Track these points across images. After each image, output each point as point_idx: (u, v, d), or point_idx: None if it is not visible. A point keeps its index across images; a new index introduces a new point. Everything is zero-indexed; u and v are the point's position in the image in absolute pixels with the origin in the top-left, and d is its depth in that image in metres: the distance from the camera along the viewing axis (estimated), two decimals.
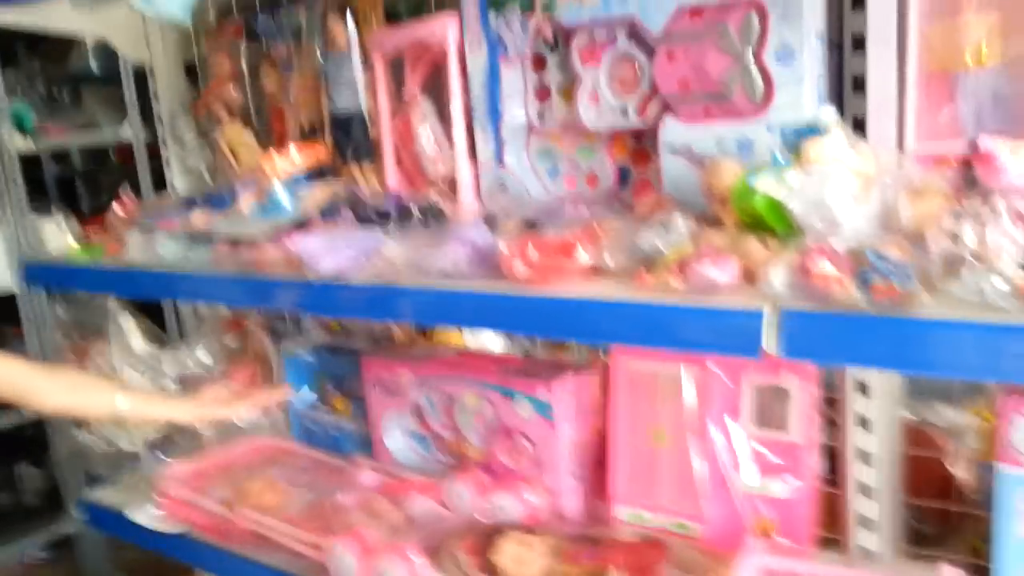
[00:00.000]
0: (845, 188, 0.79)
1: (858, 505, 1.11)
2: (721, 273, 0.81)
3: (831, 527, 1.16)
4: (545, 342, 1.63)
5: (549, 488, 1.28)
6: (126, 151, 3.36)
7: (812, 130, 0.82)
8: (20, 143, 2.62)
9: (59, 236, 2.62)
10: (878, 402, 1.07)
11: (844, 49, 1.01)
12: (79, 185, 3.96)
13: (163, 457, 1.67)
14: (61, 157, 3.83)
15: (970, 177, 0.80)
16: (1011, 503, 0.92)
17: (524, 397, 1.26)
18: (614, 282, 0.89)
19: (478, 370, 1.34)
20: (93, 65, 3.26)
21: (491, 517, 1.25)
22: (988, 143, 0.77)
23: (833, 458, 1.16)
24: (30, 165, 2.66)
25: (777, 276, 0.77)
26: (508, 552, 1.13)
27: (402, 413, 1.44)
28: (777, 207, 0.82)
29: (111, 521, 1.63)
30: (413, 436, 1.46)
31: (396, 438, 1.47)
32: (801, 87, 0.94)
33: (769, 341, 0.77)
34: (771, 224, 0.85)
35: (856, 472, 1.11)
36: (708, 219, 0.95)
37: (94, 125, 3.01)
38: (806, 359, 0.78)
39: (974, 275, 0.68)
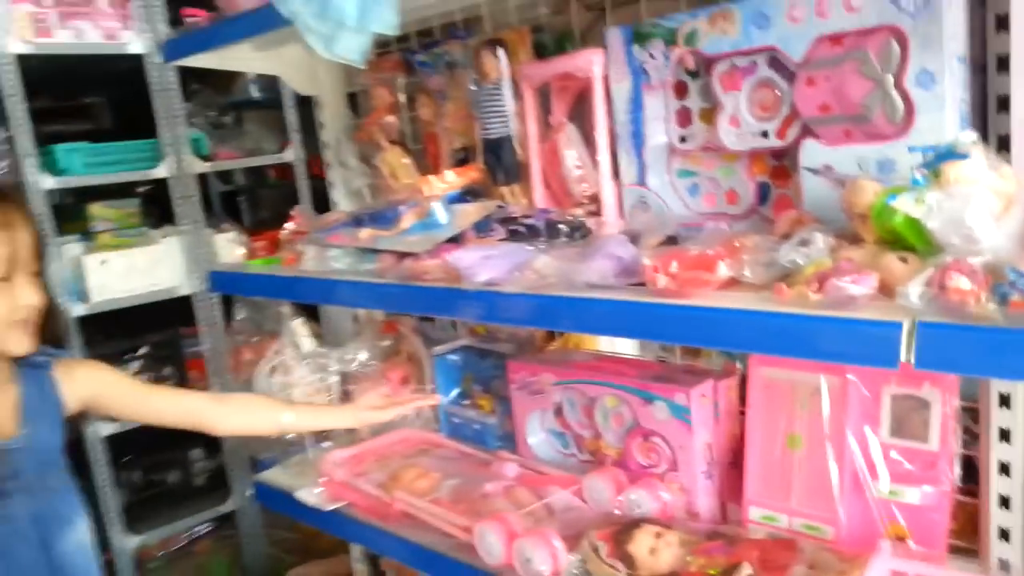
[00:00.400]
0: (984, 208, 0.83)
1: (996, 517, 1.13)
2: (859, 287, 0.87)
3: (971, 538, 1.17)
4: (682, 349, 1.70)
5: (683, 487, 1.35)
6: (283, 169, 3.66)
7: (952, 152, 0.86)
8: (198, 166, 2.93)
9: (230, 248, 2.92)
10: (1021, 415, 1.08)
11: (988, 70, 1.04)
12: (241, 201, 4.34)
13: (322, 445, 1.86)
14: (224, 175, 4.20)
15: None
16: None
17: (662, 400, 1.34)
18: (753, 294, 0.96)
19: (617, 374, 1.43)
20: (255, 93, 3.59)
21: (626, 512, 1.34)
22: None
23: (973, 469, 1.17)
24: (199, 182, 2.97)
25: (915, 290, 0.82)
26: (642, 543, 1.21)
27: (544, 412, 1.55)
28: (916, 225, 0.86)
29: (277, 499, 1.81)
30: (553, 434, 1.56)
31: (538, 435, 1.58)
32: (943, 110, 0.98)
33: (906, 352, 0.82)
34: (910, 241, 0.90)
35: (995, 484, 1.12)
36: (847, 236, 1.00)
37: (259, 149, 3.31)
38: (941, 370, 0.82)
39: None
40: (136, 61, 2.77)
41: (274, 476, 1.88)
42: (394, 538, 1.51)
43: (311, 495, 1.69)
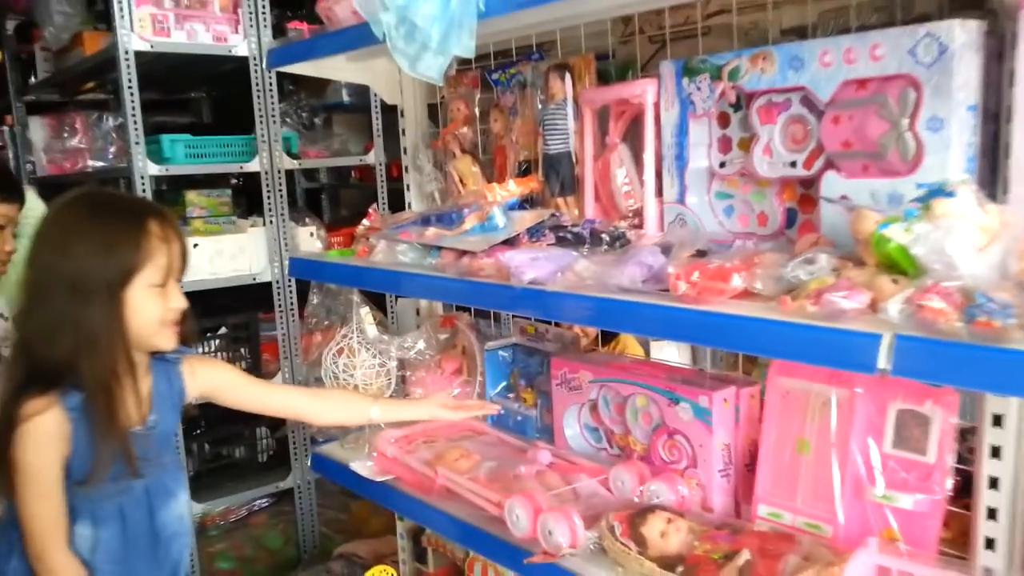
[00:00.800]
0: (965, 239, 0.95)
1: (984, 527, 1.21)
2: (850, 302, 0.99)
3: (963, 548, 1.26)
4: (730, 360, 1.82)
5: (701, 484, 1.47)
6: (364, 171, 3.90)
7: (942, 190, 0.98)
8: (287, 163, 3.18)
9: (310, 241, 3.15)
10: (1011, 433, 1.17)
11: (1000, 119, 1.15)
12: (324, 198, 4.61)
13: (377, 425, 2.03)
14: (310, 172, 4.48)
15: None
16: None
17: (687, 402, 1.46)
18: (760, 304, 1.09)
19: (650, 376, 1.57)
20: (346, 98, 3.84)
21: (645, 500, 1.47)
22: None
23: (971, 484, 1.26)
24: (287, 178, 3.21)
25: (894, 307, 0.94)
26: (654, 526, 1.34)
27: (581, 407, 1.69)
28: (905, 251, 0.98)
29: (332, 469, 1.98)
30: (588, 428, 1.70)
31: (573, 428, 1.73)
32: (948, 152, 1.09)
33: (885, 360, 0.94)
34: (902, 265, 1.01)
35: (984, 496, 1.21)
36: (855, 258, 1.12)
37: (344, 150, 3.55)
38: (913, 377, 0.93)
39: None
40: (241, 62, 3.03)
41: (331, 449, 2.06)
42: (433, 510, 1.67)
43: (363, 467, 1.86)
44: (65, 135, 3.52)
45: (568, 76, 1.62)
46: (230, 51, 2.98)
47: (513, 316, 2.08)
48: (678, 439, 1.51)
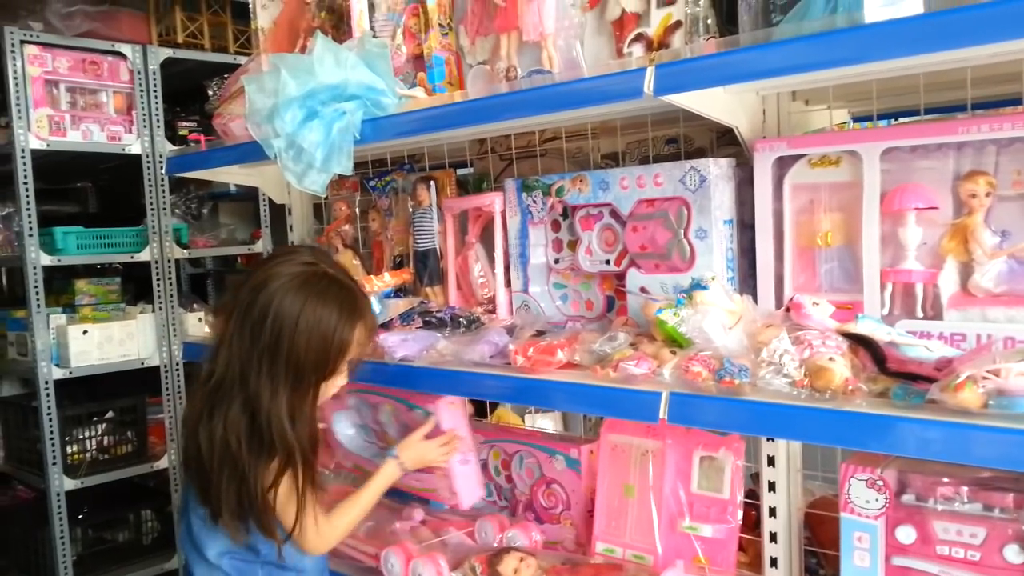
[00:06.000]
0: (716, 321, 1.29)
1: (768, 548, 1.53)
2: (639, 368, 1.31)
3: (760, 568, 1.57)
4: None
5: (574, 523, 1.74)
6: (250, 256, 4.07)
7: (699, 284, 1.33)
8: (178, 253, 3.35)
9: (198, 326, 3.31)
10: (782, 471, 1.50)
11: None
12: (209, 283, 4.72)
13: None
14: (196, 259, 4.59)
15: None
16: (849, 540, 1.33)
17: (561, 455, 1.77)
18: (579, 372, 1.40)
19: (528, 436, 1.89)
20: (233, 188, 4.04)
21: (504, 545, 1.73)
22: (798, 297, 1.26)
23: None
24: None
25: (667, 371, 1.26)
26: (509, 564, 1.60)
27: None
28: (676, 330, 1.32)
29: None
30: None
31: None
32: (711, 255, 1.45)
33: (663, 412, 1.26)
34: (677, 340, 1.35)
35: (767, 523, 1.53)
36: (650, 335, 1.45)
37: (231, 239, 3.74)
38: (684, 424, 1.25)
39: (771, 375, 1.16)
40: (134, 159, 3.22)
41: None
42: None
43: None
44: None
45: (433, 186, 1.93)
46: (124, 149, 3.17)
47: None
48: (554, 487, 1.80)
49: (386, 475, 1.73)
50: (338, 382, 1.57)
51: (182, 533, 1.69)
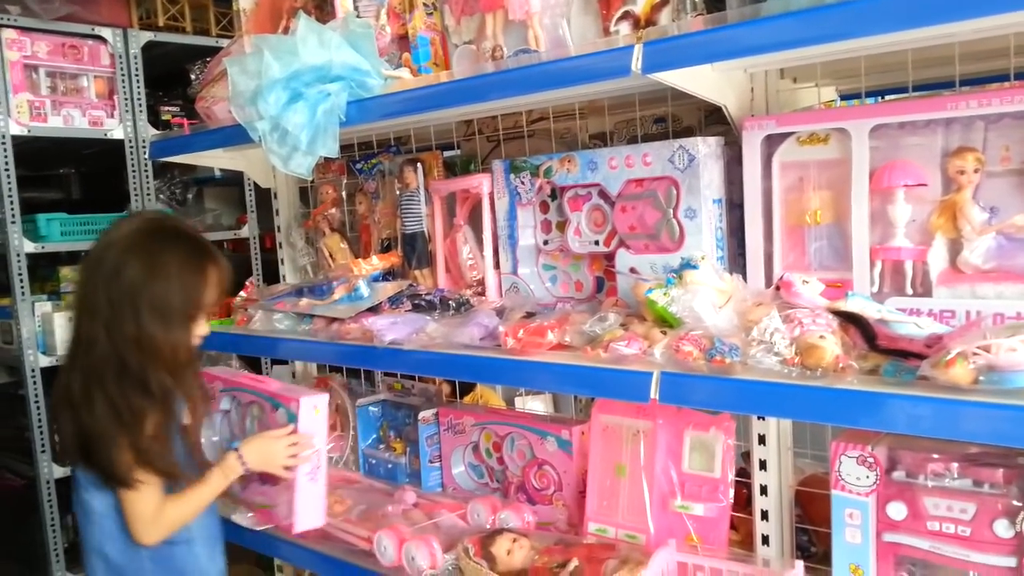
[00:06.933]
0: (707, 300, 1.29)
1: (759, 526, 1.54)
2: (629, 348, 1.31)
3: (751, 547, 1.58)
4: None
5: (566, 504, 1.74)
6: (238, 242, 4.04)
7: (689, 264, 1.32)
8: None
9: None
10: (773, 449, 1.51)
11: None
12: None
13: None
14: None
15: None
16: (841, 516, 1.33)
17: (552, 436, 1.77)
18: (569, 353, 1.39)
19: (518, 418, 1.89)
20: (218, 172, 4.00)
21: (497, 527, 1.73)
22: (788, 275, 1.26)
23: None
24: None
25: (658, 351, 1.26)
26: (502, 545, 1.60)
27: (465, 448, 1.97)
28: (666, 310, 1.31)
29: None
30: (471, 466, 1.96)
31: (459, 467, 1.98)
32: (700, 234, 1.45)
33: (655, 391, 1.25)
34: (668, 320, 1.34)
35: (758, 501, 1.54)
36: (640, 316, 1.45)
37: (218, 224, 3.70)
38: (676, 403, 1.25)
39: (762, 353, 1.16)
40: (116, 145, 3.17)
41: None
42: (309, 551, 1.86)
43: (244, 518, 2.02)
44: None
45: (420, 168, 1.91)
46: (106, 135, 3.13)
47: (383, 374, 2.32)
48: (546, 468, 1.80)
49: (223, 469, 1.66)
50: (199, 332, 1.63)
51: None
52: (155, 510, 1.58)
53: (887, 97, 1.61)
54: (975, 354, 0.99)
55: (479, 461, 1.95)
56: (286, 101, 1.66)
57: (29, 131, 2.93)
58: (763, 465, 1.53)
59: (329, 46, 1.65)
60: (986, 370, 0.99)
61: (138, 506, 1.57)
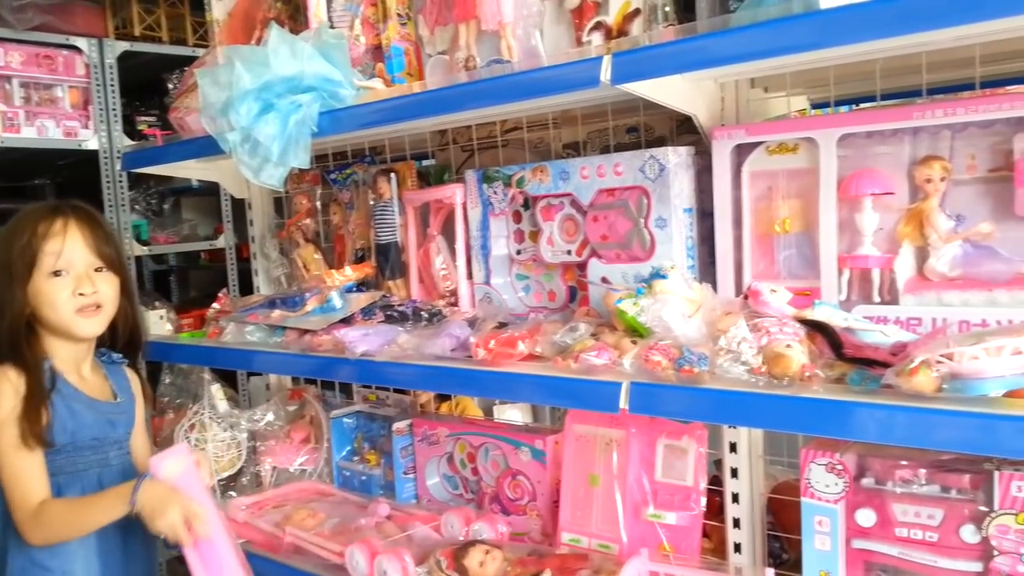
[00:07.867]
0: (676, 310, 1.29)
1: (732, 534, 1.54)
2: (599, 359, 1.30)
3: (724, 555, 1.57)
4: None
5: (540, 514, 1.72)
6: (214, 252, 4.01)
7: (658, 273, 1.32)
8: (138, 250, 3.28)
9: (160, 323, 3.24)
10: (744, 457, 1.50)
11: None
12: (172, 280, 4.65)
13: (231, 494, 2.17)
14: (158, 255, 4.51)
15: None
16: (810, 524, 1.33)
17: (527, 446, 1.75)
18: (540, 364, 1.39)
19: (493, 428, 1.86)
20: (194, 182, 3.97)
21: (470, 538, 1.71)
22: (756, 284, 1.26)
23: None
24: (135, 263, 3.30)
25: (628, 361, 1.26)
26: (475, 557, 1.58)
27: (439, 459, 1.94)
28: (636, 319, 1.31)
29: None
30: (445, 477, 1.94)
31: (434, 478, 1.96)
32: (671, 243, 1.45)
33: (624, 401, 1.25)
34: (638, 329, 1.34)
35: (730, 509, 1.53)
36: (611, 326, 1.45)
37: (194, 235, 3.68)
38: (645, 413, 1.24)
39: (730, 362, 1.16)
40: (91, 155, 3.14)
41: None
42: (283, 566, 1.83)
43: None
44: None
45: (394, 178, 1.90)
46: (80, 145, 3.10)
47: (357, 386, 2.30)
48: (520, 479, 1.78)
49: (118, 493, 1.53)
50: (61, 295, 1.59)
51: None
52: (35, 501, 1.54)
53: (859, 106, 1.62)
54: (938, 362, 1.00)
55: (453, 472, 1.93)
56: (257, 112, 1.65)
57: (2, 142, 2.89)
58: (735, 473, 1.53)
59: (301, 56, 1.64)
60: (949, 378, 0.99)
61: (15, 491, 1.55)
